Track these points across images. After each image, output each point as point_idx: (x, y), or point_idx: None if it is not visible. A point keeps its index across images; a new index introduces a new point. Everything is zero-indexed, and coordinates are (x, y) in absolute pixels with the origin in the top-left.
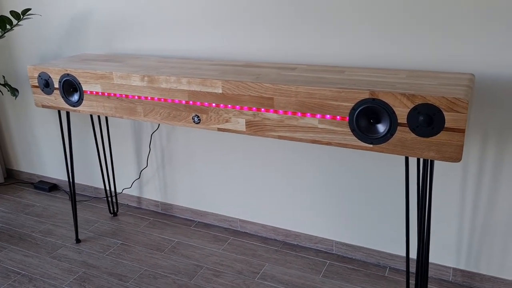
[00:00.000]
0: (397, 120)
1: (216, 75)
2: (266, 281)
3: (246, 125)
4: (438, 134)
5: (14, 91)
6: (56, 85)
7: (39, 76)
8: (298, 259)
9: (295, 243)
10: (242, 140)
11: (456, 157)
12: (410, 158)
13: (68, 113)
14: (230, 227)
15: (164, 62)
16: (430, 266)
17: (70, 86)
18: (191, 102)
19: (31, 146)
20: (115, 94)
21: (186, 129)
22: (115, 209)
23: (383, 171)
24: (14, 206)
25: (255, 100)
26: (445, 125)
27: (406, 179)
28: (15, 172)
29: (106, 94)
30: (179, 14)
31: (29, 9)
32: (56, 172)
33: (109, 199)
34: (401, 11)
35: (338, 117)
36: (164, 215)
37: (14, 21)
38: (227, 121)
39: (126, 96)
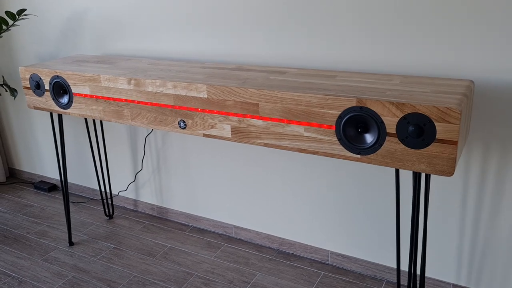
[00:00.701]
0: (385, 130)
1: (203, 79)
2: None
3: (231, 131)
4: (429, 146)
5: (13, 91)
6: (47, 86)
7: (30, 77)
8: (292, 269)
9: (290, 252)
10: (238, 145)
11: (448, 170)
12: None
13: (60, 115)
14: (225, 233)
15: (155, 64)
16: (429, 281)
17: (60, 88)
18: (177, 106)
19: (32, 146)
20: (103, 97)
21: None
22: (111, 212)
23: (383, 182)
24: (13, 206)
25: (240, 105)
26: (436, 137)
27: (397, 192)
28: (17, 172)
29: (94, 96)
30: (174, 16)
31: (24, 10)
32: (55, 172)
33: (105, 201)
34: (398, 15)
35: (324, 125)
36: (160, 219)
37: (10, 22)
38: (212, 127)
39: (114, 99)
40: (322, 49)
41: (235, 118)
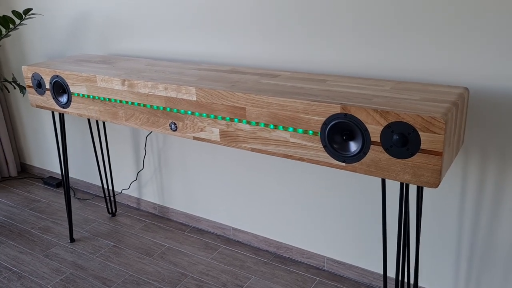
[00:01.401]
0: (370, 138)
1: (194, 81)
2: None
3: (220, 135)
4: (414, 156)
5: (22, 89)
6: (48, 86)
7: (32, 76)
8: (287, 274)
9: (287, 256)
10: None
11: (433, 182)
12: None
13: (62, 114)
14: (224, 235)
15: (152, 65)
16: None
17: (59, 88)
18: (168, 108)
19: (42, 142)
20: (99, 97)
21: None
22: (114, 210)
23: (381, 189)
24: (21, 200)
25: (228, 109)
26: (421, 147)
27: (383, 201)
28: (28, 167)
29: (91, 96)
30: (177, 17)
31: (30, 9)
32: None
33: (108, 199)
34: (396, 20)
35: (310, 131)
36: (161, 218)
37: (17, 21)
38: (202, 130)
39: (109, 99)
40: (320, 53)
41: (223, 122)
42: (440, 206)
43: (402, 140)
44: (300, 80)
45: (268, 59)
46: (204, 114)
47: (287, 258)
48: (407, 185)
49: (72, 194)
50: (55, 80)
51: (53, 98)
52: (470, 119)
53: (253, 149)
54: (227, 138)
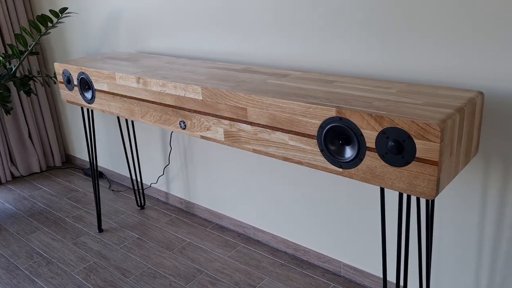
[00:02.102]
0: (365, 144)
1: (202, 80)
2: None
3: (224, 135)
4: (409, 164)
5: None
6: (76, 82)
7: (62, 72)
8: (301, 277)
9: (304, 258)
10: None
11: (429, 193)
12: None
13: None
14: (244, 233)
15: (171, 63)
16: None
17: (85, 84)
18: (178, 107)
19: (83, 134)
20: (118, 94)
21: None
22: (143, 202)
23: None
24: (61, 189)
25: (231, 109)
26: (417, 155)
27: (382, 211)
28: (72, 158)
29: (111, 93)
30: (202, 16)
31: (66, 8)
32: (103, 160)
33: (137, 192)
34: (412, 18)
35: (307, 134)
36: (186, 213)
37: (54, 19)
38: (208, 129)
39: (127, 96)
40: (336, 52)
41: (227, 122)
42: (459, 217)
43: (397, 147)
44: (307, 81)
45: (285, 58)
46: (210, 113)
47: (304, 261)
48: (409, 195)
49: (107, 185)
50: (81, 76)
51: (80, 94)
52: (491, 126)
53: (254, 150)
54: (231, 138)
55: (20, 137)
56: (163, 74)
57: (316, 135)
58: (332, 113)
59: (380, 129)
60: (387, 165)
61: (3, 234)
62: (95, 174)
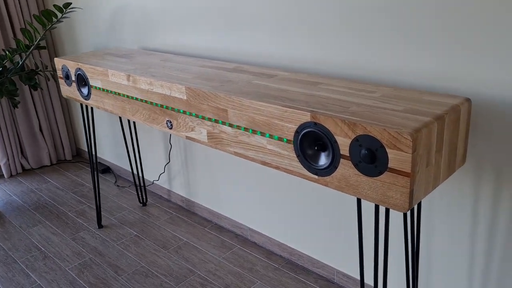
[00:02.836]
0: (339, 151)
1: (189, 79)
2: None
3: (207, 136)
4: (382, 175)
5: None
6: (74, 77)
7: (62, 68)
8: (294, 283)
9: (299, 263)
10: None
11: (401, 206)
12: None
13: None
14: (242, 235)
15: (166, 60)
16: None
17: (82, 80)
18: (164, 106)
19: (91, 129)
20: (110, 91)
21: None
22: (144, 199)
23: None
24: (68, 183)
25: (213, 110)
26: (389, 165)
27: (359, 222)
28: (82, 152)
29: (105, 90)
30: (205, 14)
31: (70, 3)
32: (110, 156)
33: (139, 188)
34: (403, 21)
35: (284, 139)
36: (187, 212)
37: (59, 14)
38: (192, 130)
39: (119, 94)
40: (328, 53)
41: (209, 123)
42: (450, 228)
43: (370, 156)
44: (292, 82)
45: (279, 57)
46: (194, 113)
47: (298, 266)
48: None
49: (114, 180)
50: (78, 72)
51: (78, 90)
52: (482, 135)
53: (235, 153)
54: (213, 140)
55: (31, 130)
56: (153, 72)
57: (292, 140)
58: (307, 117)
59: (354, 136)
60: (360, 174)
61: (6, 227)
62: (94, 169)
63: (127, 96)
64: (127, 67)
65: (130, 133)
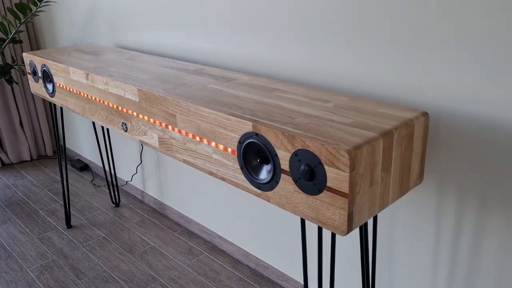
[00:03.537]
0: (280, 165)
1: (145, 80)
2: None
3: (158, 141)
4: (322, 194)
5: None
6: (40, 74)
7: (29, 63)
8: None
9: (264, 274)
10: None
11: (341, 228)
12: None
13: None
14: (210, 241)
15: (132, 59)
16: None
17: (47, 77)
18: (119, 107)
19: (72, 126)
20: (72, 89)
21: None
22: (117, 200)
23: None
24: (45, 180)
25: (163, 115)
26: (327, 184)
27: (303, 242)
28: (63, 148)
29: (67, 88)
30: (182, 12)
31: None
32: (89, 153)
33: (111, 188)
34: (373, 29)
35: (229, 149)
36: (159, 215)
37: (33, 8)
38: (145, 134)
39: (79, 93)
40: (294, 58)
41: (160, 128)
42: (412, 250)
43: (309, 172)
44: (248, 88)
45: (244, 60)
46: (146, 117)
47: (264, 277)
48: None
49: (91, 178)
50: (43, 69)
51: (44, 87)
52: (445, 149)
53: (184, 161)
54: (164, 146)
55: (12, 125)
56: (112, 71)
57: (236, 150)
58: (249, 127)
59: (293, 150)
60: (300, 191)
61: None
62: (62, 167)
63: (87, 96)
64: (89, 65)
65: (102, 130)
